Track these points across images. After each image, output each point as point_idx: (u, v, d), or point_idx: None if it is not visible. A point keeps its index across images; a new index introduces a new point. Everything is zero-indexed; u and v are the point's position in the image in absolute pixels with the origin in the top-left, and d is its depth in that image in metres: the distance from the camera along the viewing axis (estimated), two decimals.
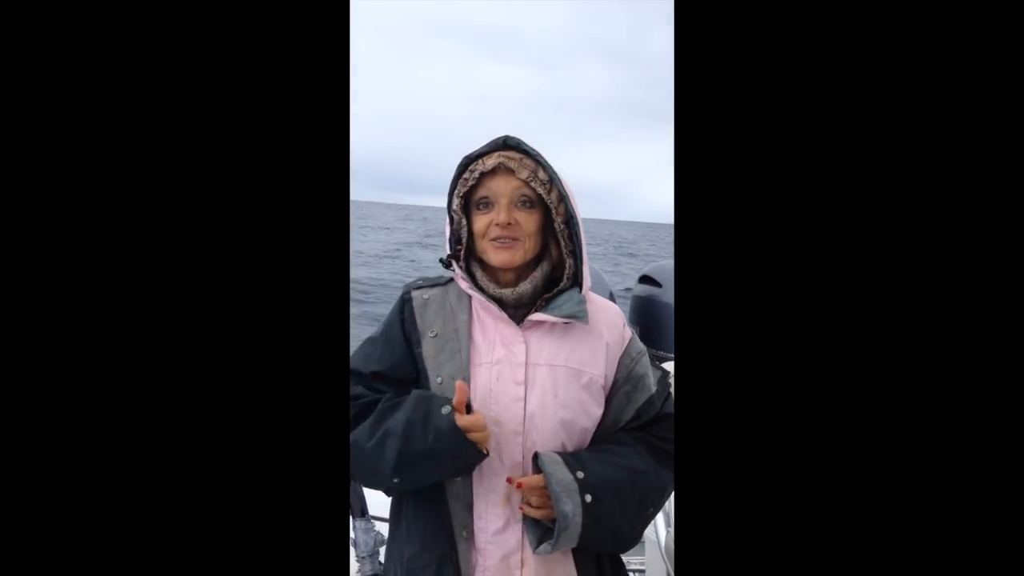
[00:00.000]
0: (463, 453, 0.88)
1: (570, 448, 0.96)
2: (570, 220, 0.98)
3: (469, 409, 0.90)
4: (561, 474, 0.89)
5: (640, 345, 1.06)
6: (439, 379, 0.96)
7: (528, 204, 0.97)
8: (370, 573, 1.48)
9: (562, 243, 0.99)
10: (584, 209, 1.02)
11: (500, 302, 0.99)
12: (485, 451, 0.90)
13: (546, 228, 1.00)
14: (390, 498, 1.04)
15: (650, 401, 1.01)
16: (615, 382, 1.01)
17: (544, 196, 0.96)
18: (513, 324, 0.99)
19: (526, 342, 0.97)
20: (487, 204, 0.98)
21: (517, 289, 0.98)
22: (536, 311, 0.98)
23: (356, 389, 0.99)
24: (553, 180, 0.97)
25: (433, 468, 0.91)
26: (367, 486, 1.21)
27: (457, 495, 0.95)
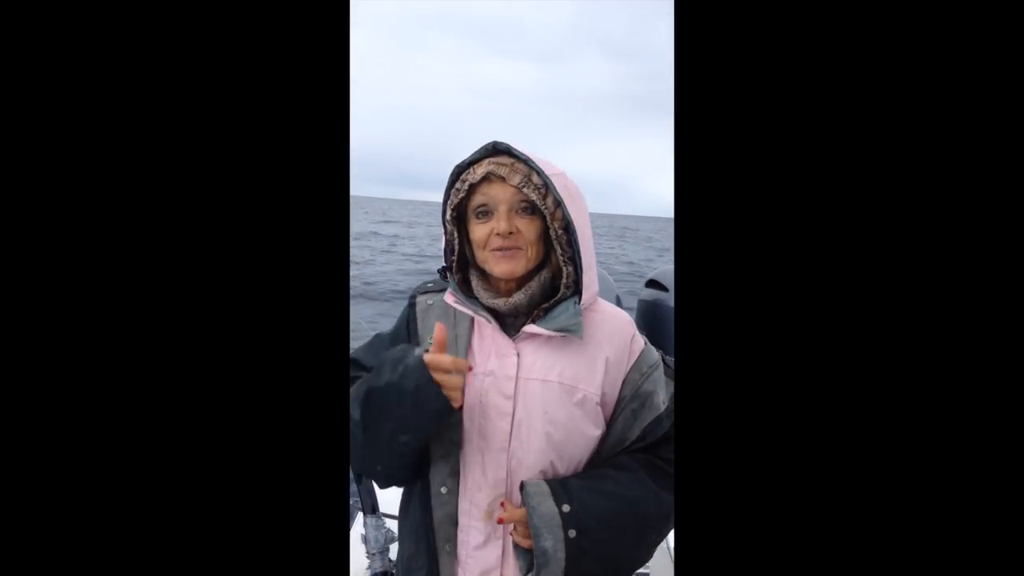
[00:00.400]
0: (423, 391, 0.83)
1: (561, 469, 0.92)
2: (568, 226, 0.91)
3: None
4: (545, 507, 0.85)
5: (653, 358, 0.99)
6: None
7: (529, 210, 0.91)
8: (380, 570, 1.49)
9: (559, 250, 0.92)
10: (587, 203, 0.96)
11: (495, 312, 0.95)
12: (454, 403, 0.85)
13: (546, 235, 0.94)
14: (399, 497, 1.04)
15: (658, 420, 0.95)
16: (620, 399, 0.96)
17: (539, 202, 0.90)
18: (506, 336, 0.94)
19: (519, 355, 0.93)
20: (486, 212, 0.92)
21: (511, 299, 0.93)
22: (531, 322, 0.93)
23: (355, 376, 0.99)
24: (548, 185, 0.90)
25: (394, 408, 0.84)
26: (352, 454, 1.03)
27: (443, 507, 0.93)
